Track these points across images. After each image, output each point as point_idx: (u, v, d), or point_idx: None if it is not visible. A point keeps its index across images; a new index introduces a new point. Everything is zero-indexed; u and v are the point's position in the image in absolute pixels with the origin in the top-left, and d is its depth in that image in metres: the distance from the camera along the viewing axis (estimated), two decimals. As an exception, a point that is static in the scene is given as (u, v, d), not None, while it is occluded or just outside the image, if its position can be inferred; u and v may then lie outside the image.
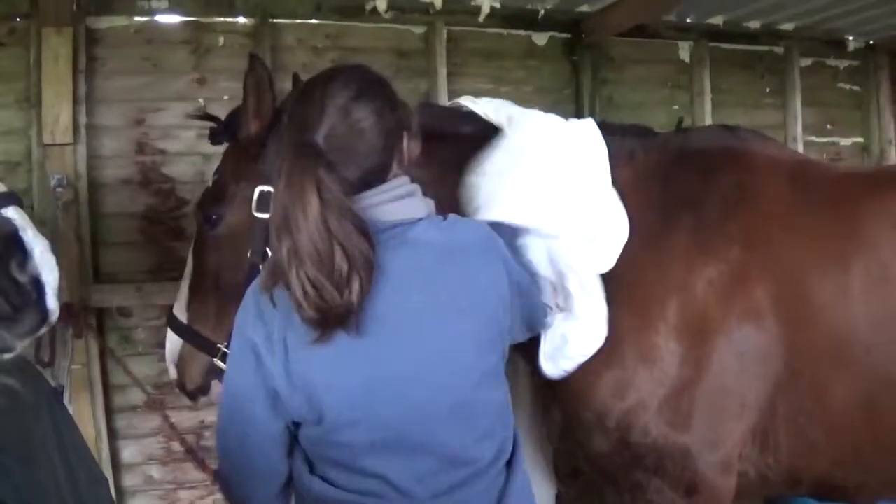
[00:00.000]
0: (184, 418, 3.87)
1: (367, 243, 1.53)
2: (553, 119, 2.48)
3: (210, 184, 2.55)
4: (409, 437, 1.62)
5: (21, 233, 1.73)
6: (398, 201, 1.67)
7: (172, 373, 2.55)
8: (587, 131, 2.47)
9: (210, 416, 3.89)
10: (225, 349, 2.30)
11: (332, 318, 1.52)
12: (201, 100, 3.91)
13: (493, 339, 1.71)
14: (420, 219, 1.68)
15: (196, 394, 2.56)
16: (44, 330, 1.78)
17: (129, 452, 3.86)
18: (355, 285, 1.50)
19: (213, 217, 2.44)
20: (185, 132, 3.86)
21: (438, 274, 1.65)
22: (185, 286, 2.54)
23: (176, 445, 3.85)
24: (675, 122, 3.35)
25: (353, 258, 1.50)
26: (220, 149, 3.84)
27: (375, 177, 1.66)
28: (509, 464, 1.76)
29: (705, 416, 2.32)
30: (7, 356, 1.67)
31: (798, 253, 2.38)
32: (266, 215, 2.23)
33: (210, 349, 2.45)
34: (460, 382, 1.65)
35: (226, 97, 3.90)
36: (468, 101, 2.56)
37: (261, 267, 2.21)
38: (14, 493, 1.31)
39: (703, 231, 2.43)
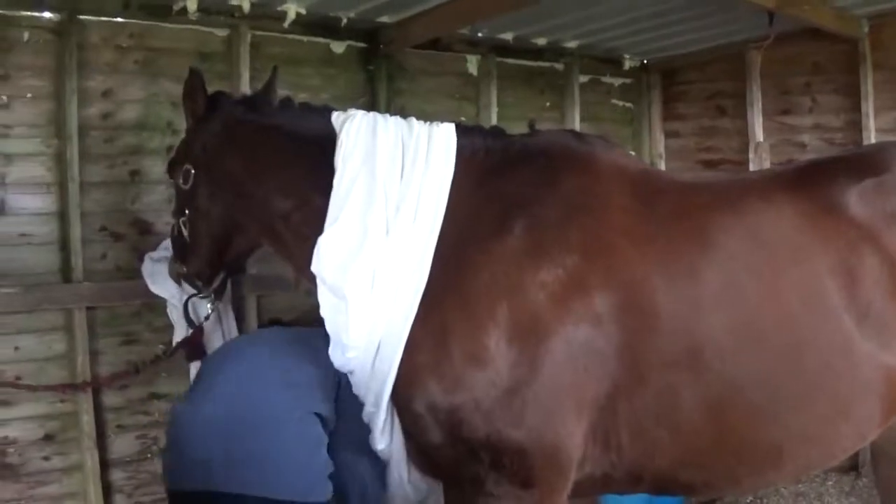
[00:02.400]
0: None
1: None
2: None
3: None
4: None
5: None
6: None
7: None
8: (440, 144, 2.56)
9: (14, 432, 3.73)
10: None
11: None
12: (4, 97, 3.81)
13: None
14: None
15: None
16: None
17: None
18: None
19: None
20: (-17, 131, 3.73)
21: None
22: None
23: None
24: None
25: None
26: (19, 149, 3.92)
27: None
28: None
29: (540, 414, 2.33)
30: None
31: (645, 263, 2.39)
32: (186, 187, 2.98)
33: None
34: None
35: (29, 95, 3.86)
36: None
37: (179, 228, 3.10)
38: None
39: (539, 233, 2.42)
